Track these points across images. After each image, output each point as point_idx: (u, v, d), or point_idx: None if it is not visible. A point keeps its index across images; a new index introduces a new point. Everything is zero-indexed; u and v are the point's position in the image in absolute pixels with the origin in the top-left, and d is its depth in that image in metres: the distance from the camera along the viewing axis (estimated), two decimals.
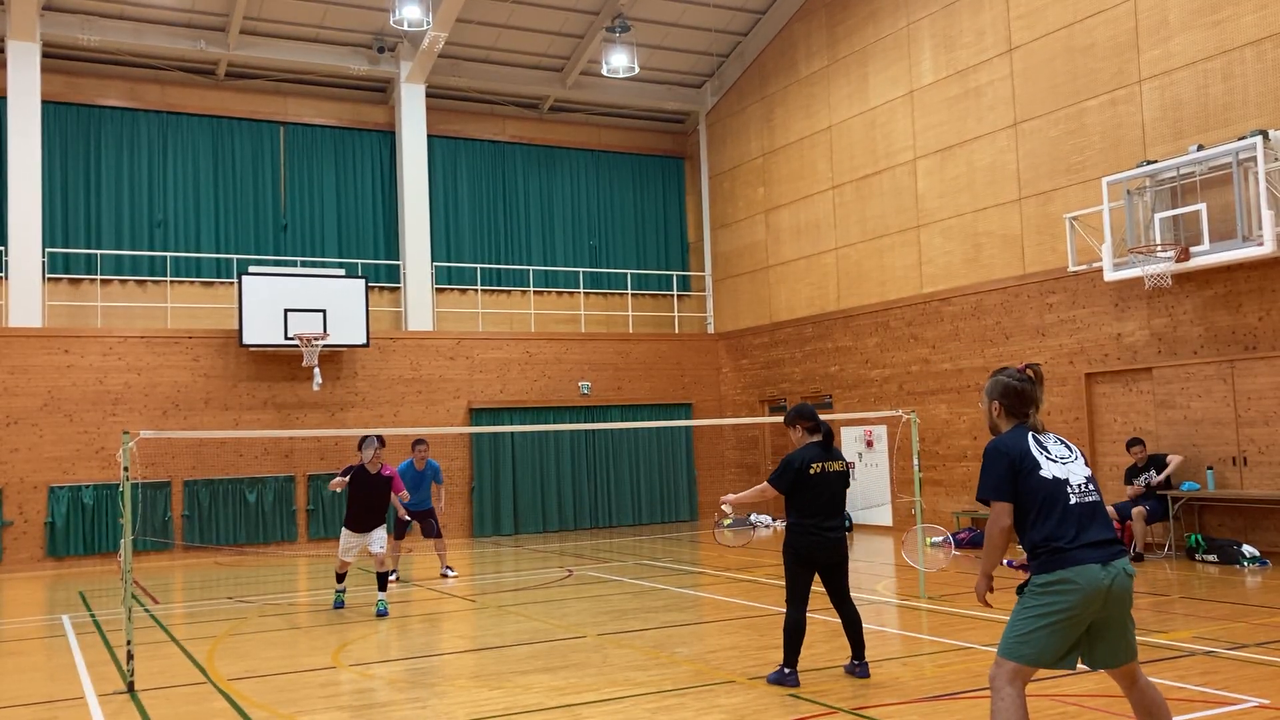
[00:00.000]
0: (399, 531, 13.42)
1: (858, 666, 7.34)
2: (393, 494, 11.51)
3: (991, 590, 4.94)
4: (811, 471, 7.07)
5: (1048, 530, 4.54)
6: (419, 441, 13.89)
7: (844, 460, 7.34)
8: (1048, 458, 4.67)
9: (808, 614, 7.30)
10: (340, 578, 11.67)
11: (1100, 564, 4.47)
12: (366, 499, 11.23)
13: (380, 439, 11.22)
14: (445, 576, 14.04)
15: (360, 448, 11.25)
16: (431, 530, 13.90)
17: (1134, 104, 14.41)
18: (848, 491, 7.44)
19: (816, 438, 7.26)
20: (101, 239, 18.88)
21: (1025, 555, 4.72)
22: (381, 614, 10.93)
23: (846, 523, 18.18)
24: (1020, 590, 4.64)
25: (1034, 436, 4.74)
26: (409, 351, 19.99)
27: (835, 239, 19.63)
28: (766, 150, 21.50)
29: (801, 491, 7.07)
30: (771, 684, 7.16)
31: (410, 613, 11.30)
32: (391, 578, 12.80)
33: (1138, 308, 14.33)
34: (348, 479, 11.23)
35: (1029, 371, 4.91)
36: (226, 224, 19.85)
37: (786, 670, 7.18)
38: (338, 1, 19.31)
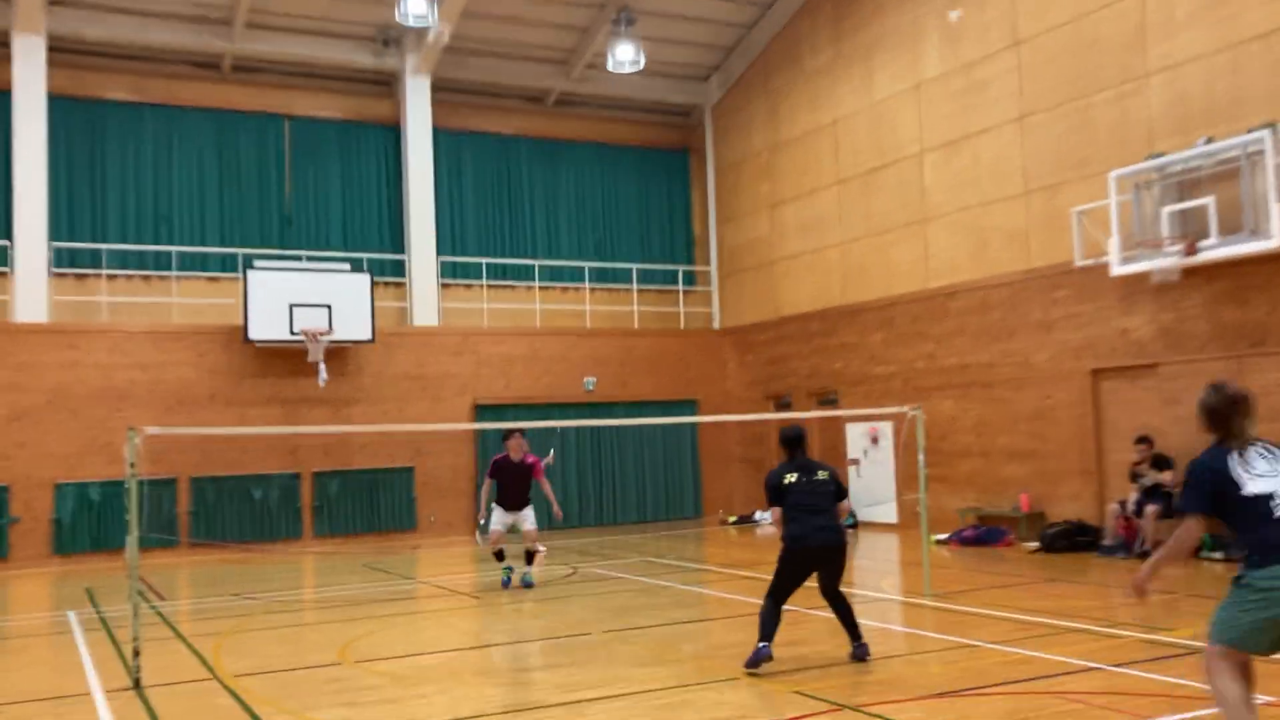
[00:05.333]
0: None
1: (857, 648, 7.70)
2: (538, 479, 12.71)
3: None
4: (786, 482, 7.86)
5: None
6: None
7: (827, 470, 8.04)
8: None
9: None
10: (500, 556, 12.70)
11: None
12: (512, 484, 12.57)
13: (522, 431, 12.78)
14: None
15: (506, 440, 12.59)
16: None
17: (1141, 98, 14.34)
18: (852, 488, 7.84)
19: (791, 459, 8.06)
20: (107, 234, 18.88)
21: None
22: (528, 585, 12.43)
23: (850, 519, 18.29)
24: (1236, 581, 4.72)
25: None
26: (414, 347, 19.99)
27: (840, 234, 19.58)
28: (772, 144, 21.45)
29: (784, 499, 7.87)
30: (748, 668, 7.44)
31: (415, 609, 11.31)
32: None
33: (1144, 302, 14.27)
34: (491, 478, 12.61)
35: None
36: (231, 218, 19.81)
37: (760, 645, 7.49)
38: None
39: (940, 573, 12.35)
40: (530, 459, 12.63)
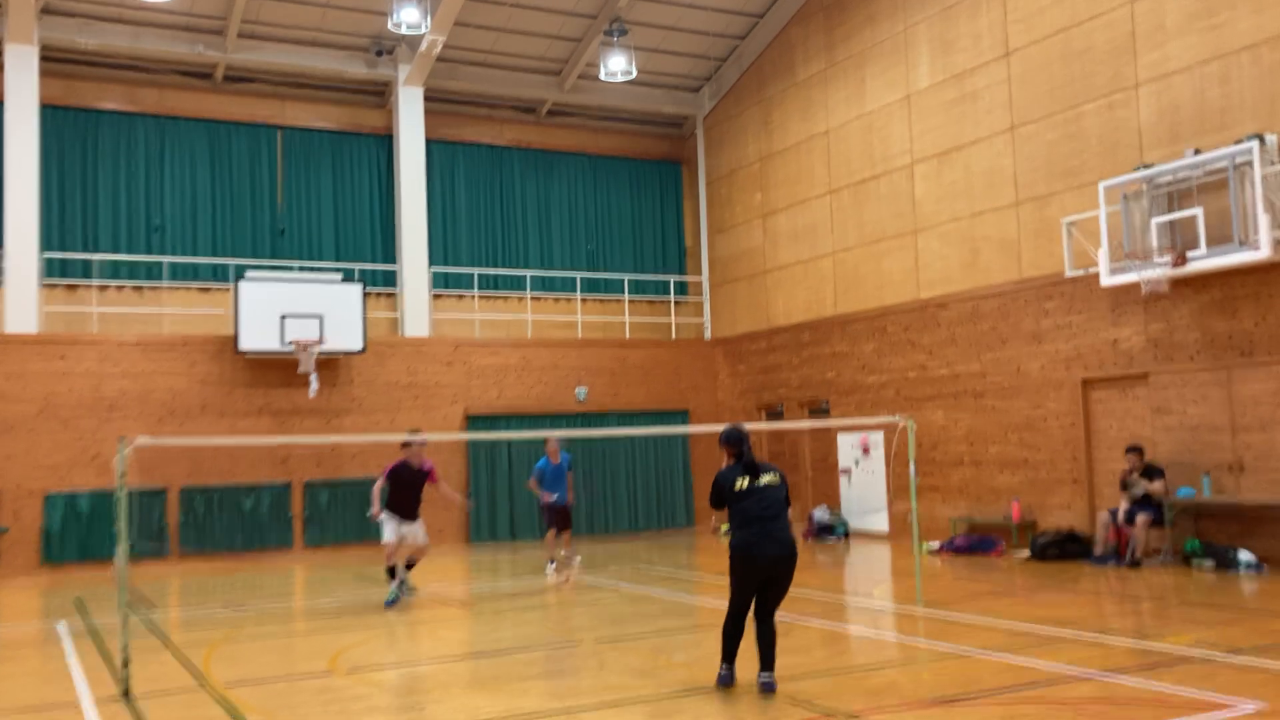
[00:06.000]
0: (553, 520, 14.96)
1: (766, 681, 7.21)
2: (433, 484, 12.42)
3: None
4: (736, 488, 7.61)
5: None
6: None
7: (775, 473, 7.74)
8: None
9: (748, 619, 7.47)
10: (392, 573, 12.25)
11: None
12: (405, 491, 12.27)
13: (423, 442, 12.42)
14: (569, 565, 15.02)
15: (403, 447, 12.40)
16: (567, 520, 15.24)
17: (1131, 108, 14.44)
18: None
19: (739, 460, 7.78)
20: (98, 244, 18.84)
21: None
22: (391, 603, 11.97)
23: (842, 528, 18.29)
24: None
25: None
26: (406, 357, 19.97)
27: (832, 244, 19.64)
28: (764, 154, 21.51)
29: (732, 504, 7.64)
30: (719, 687, 7.33)
31: (407, 619, 11.28)
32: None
33: (1134, 313, 14.34)
34: (388, 479, 12.27)
35: None
36: (223, 228, 19.80)
37: (724, 669, 7.41)
38: (336, 5, 19.31)
39: (932, 581, 12.35)
40: (427, 465, 12.31)
